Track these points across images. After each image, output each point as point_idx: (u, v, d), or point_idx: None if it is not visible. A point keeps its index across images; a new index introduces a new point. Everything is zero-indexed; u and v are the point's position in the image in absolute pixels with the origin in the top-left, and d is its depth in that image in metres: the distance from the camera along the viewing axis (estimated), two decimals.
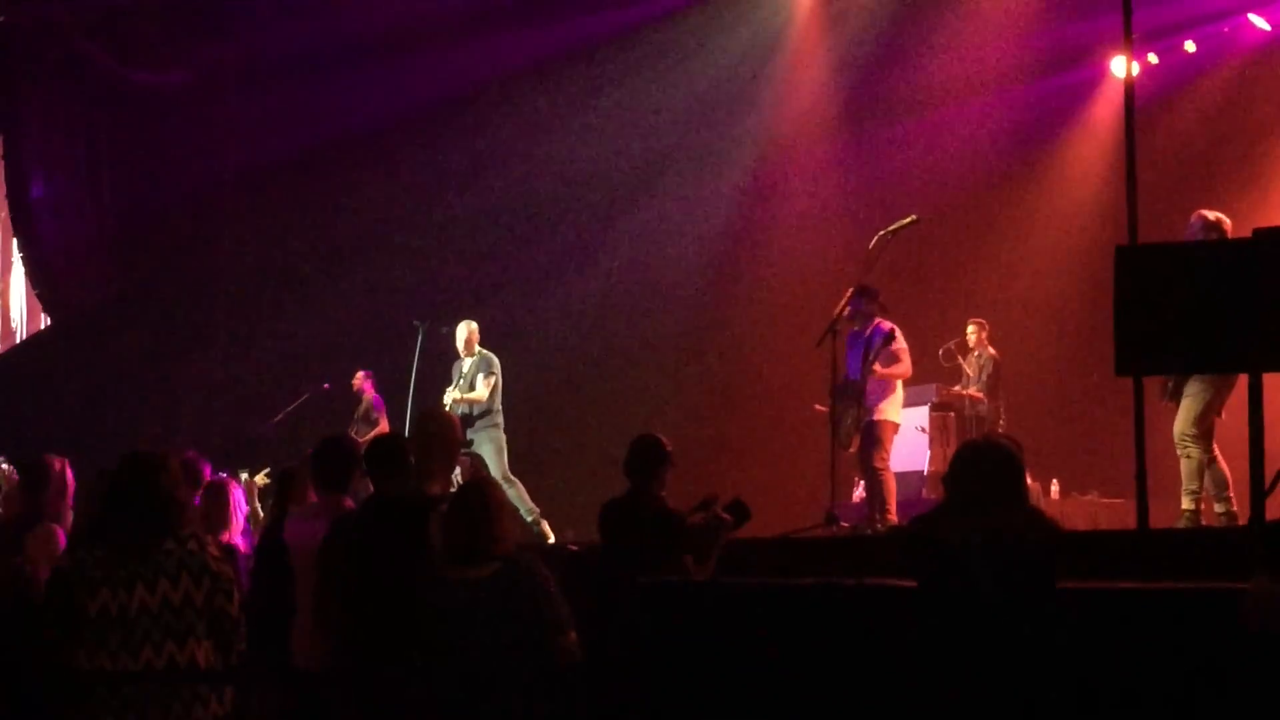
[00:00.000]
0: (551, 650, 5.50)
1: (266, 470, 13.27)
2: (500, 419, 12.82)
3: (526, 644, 5.46)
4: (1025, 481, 5.25)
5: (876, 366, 10.77)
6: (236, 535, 7.26)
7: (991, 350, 13.88)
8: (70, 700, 5.28)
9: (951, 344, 13.98)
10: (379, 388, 14.70)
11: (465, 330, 13.04)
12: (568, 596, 5.67)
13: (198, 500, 7.87)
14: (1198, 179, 13.96)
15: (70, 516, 7.13)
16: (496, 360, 12.96)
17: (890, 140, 15.95)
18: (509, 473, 12.63)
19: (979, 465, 5.10)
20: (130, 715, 5.16)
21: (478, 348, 13.01)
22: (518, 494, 12.45)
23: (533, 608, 5.50)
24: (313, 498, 7.31)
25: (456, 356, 13.06)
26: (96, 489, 6.71)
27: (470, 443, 12.45)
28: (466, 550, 5.62)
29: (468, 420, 12.43)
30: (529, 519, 12.38)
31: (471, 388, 12.79)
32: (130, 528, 5.30)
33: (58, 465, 7.25)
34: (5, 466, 11.72)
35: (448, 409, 12.33)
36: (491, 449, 12.65)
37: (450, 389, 12.90)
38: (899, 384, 11.10)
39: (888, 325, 10.93)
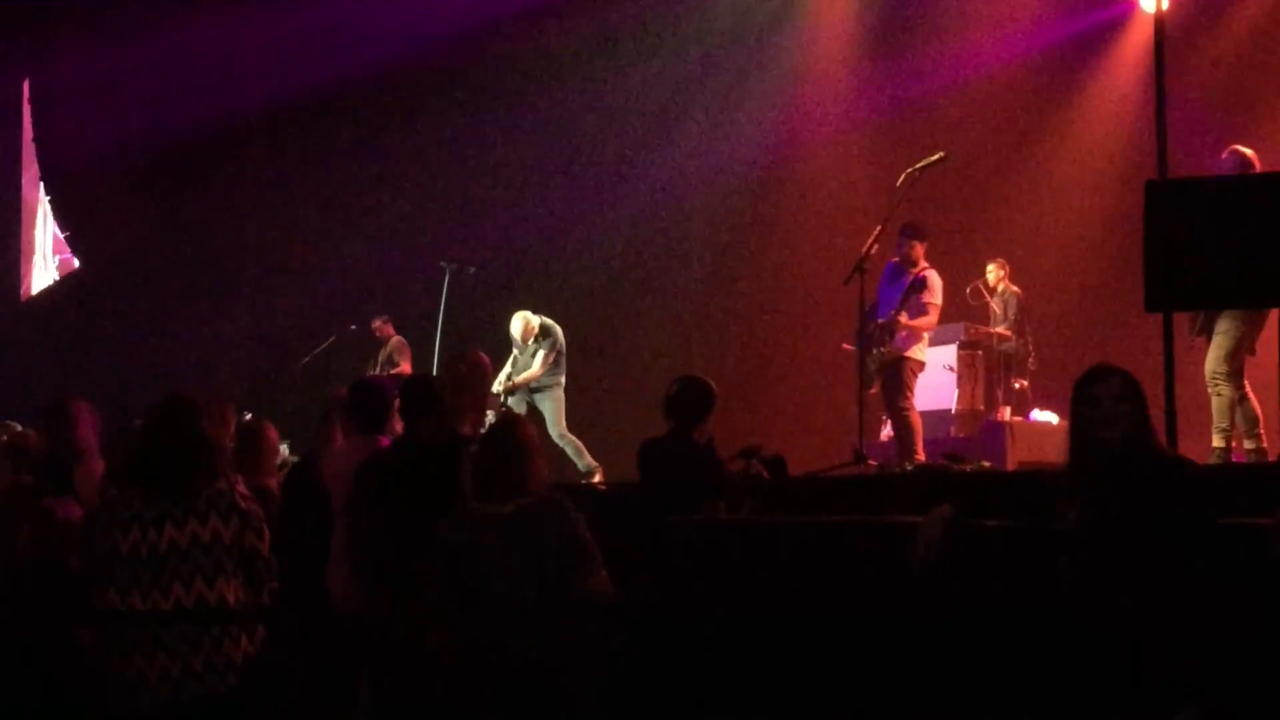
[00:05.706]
0: (581, 587, 5.51)
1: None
2: (563, 379, 12.88)
3: (553, 579, 5.47)
4: None
5: (903, 317, 10.68)
6: (270, 477, 7.27)
7: (1014, 287, 13.76)
8: (103, 639, 5.36)
9: (978, 282, 13.89)
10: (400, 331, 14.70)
11: (520, 324, 12.85)
12: (595, 535, 5.68)
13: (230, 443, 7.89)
14: (1229, 113, 13.80)
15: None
16: (558, 333, 12.88)
17: (916, 74, 15.76)
18: (566, 430, 12.72)
19: None
20: (161, 653, 5.23)
21: (536, 328, 12.87)
22: (576, 448, 12.51)
23: (560, 543, 5.50)
24: (338, 438, 7.32)
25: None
26: (130, 432, 6.76)
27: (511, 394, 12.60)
28: (496, 487, 5.63)
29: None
30: (585, 471, 12.44)
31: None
32: (163, 469, 5.37)
33: (81, 406, 7.29)
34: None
35: (499, 395, 12.38)
36: (551, 406, 12.73)
37: (504, 372, 12.80)
38: None
39: (926, 274, 10.87)
